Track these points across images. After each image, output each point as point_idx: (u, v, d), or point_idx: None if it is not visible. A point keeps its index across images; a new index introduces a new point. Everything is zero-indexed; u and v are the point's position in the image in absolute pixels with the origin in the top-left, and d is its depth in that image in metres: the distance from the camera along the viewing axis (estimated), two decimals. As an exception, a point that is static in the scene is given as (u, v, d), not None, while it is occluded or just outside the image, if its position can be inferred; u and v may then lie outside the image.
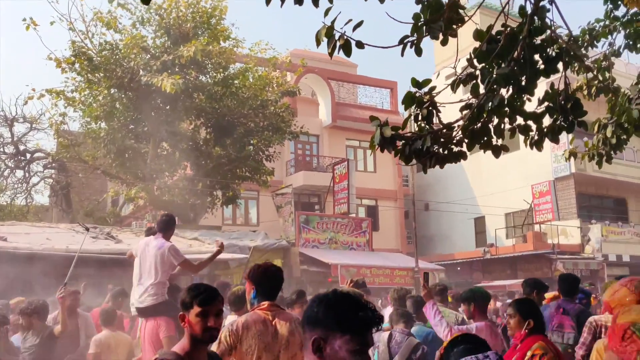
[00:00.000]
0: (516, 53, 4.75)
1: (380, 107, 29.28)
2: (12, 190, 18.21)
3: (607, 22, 7.66)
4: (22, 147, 18.47)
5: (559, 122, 5.11)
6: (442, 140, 4.73)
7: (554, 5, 4.77)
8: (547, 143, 5.25)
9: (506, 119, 4.96)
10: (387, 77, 56.51)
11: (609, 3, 7.52)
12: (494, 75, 4.42)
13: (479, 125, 4.72)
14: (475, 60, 4.71)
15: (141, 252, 5.70)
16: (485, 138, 4.86)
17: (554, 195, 20.95)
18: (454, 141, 4.89)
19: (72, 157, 15.96)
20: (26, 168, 18.39)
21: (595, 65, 7.49)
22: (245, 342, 3.11)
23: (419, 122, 4.72)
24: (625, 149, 23.06)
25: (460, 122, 4.75)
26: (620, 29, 7.62)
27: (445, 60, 29.95)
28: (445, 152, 4.88)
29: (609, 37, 7.70)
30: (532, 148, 5.31)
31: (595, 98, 7.52)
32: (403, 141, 4.83)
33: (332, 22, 4.38)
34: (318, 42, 4.63)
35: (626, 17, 7.60)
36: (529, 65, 4.75)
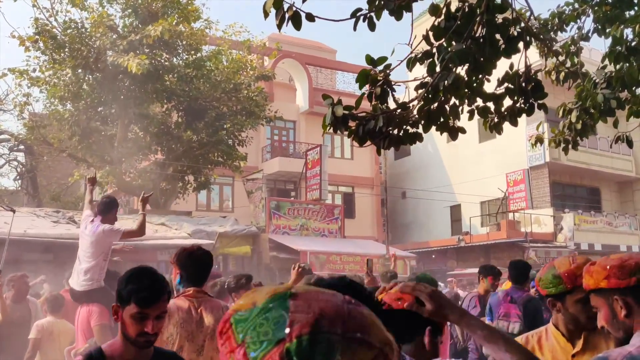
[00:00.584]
0: (474, 31, 4.60)
1: (359, 93, 29.03)
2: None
3: (576, 5, 7.48)
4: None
5: (518, 104, 4.96)
6: (396, 120, 4.53)
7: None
8: (523, 131, 5.11)
9: (465, 100, 4.79)
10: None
11: (578, -15, 7.33)
12: (449, 53, 4.21)
13: (435, 105, 4.53)
14: (432, 37, 4.51)
15: (81, 233, 5.46)
16: (442, 119, 4.68)
17: (528, 183, 20.98)
18: (410, 122, 4.70)
19: (37, 140, 15.49)
20: (-8, 151, 17.88)
21: (564, 50, 7.34)
22: (166, 331, 2.88)
23: (372, 102, 4.53)
24: (600, 138, 23.06)
25: (415, 102, 4.56)
26: (590, 12, 7.45)
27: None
28: (401, 133, 4.70)
29: (578, 21, 7.52)
30: (491, 131, 5.15)
31: (563, 83, 7.38)
32: (357, 121, 4.64)
33: None
34: (266, 14, 4.40)
35: (595, 0, 7.43)
36: (489, 44, 4.57)
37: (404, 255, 16.40)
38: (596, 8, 7.26)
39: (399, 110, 4.51)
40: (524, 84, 4.95)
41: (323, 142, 26.83)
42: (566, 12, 7.49)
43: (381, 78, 4.44)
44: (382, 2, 4.25)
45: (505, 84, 4.86)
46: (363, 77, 4.52)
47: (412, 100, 4.54)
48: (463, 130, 4.80)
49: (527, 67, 4.98)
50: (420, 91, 4.48)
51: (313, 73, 27.63)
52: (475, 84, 4.75)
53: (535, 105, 4.89)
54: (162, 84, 15.52)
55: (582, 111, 6.50)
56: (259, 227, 14.21)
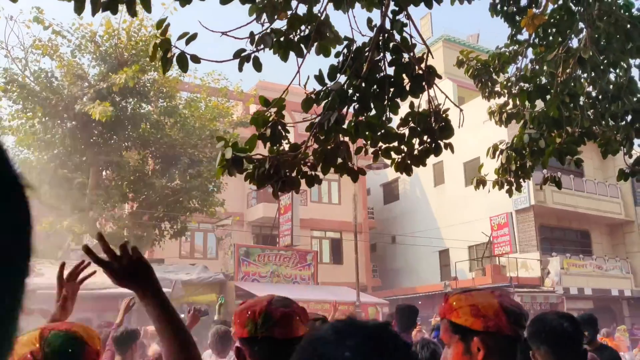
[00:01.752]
0: (372, 70, 4.51)
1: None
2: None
3: (516, 47, 7.42)
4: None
5: (424, 145, 4.81)
6: (290, 162, 4.39)
7: (410, 21, 4.51)
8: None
9: (363, 140, 4.66)
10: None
11: (512, 28, 7.29)
12: (330, 93, 4.10)
13: (331, 147, 4.40)
14: (326, 77, 4.41)
15: None
16: (341, 160, 4.54)
17: (512, 227, 20.69)
18: (307, 164, 4.56)
19: None
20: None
21: (505, 91, 7.26)
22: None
23: (265, 144, 4.40)
24: (586, 181, 22.72)
25: (309, 143, 4.43)
26: (527, 53, 7.39)
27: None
28: (298, 175, 4.55)
29: (517, 61, 7.44)
30: (401, 173, 4.99)
31: (507, 124, 7.28)
32: (252, 164, 4.50)
33: (163, 33, 4.09)
34: (153, 57, 4.33)
35: (531, 41, 7.37)
36: (393, 83, 4.48)
37: (376, 302, 15.98)
38: (533, 48, 7.18)
39: (289, 152, 4.37)
40: (433, 124, 4.82)
41: (309, 188, 26.72)
42: (506, 53, 7.43)
43: (273, 119, 4.32)
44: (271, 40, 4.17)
45: (410, 124, 4.73)
46: (256, 119, 4.41)
47: (304, 141, 4.40)
48: (363, 172, 4.65)
49: (436, 107, 4.86)
50: (309, 132, 4.35)
51: (299, 119, 27.70)
52: (378, 123, 4.62)
53: (442, 145, 4.75)
54: (135, 131, 15.53)
55: (512, 152, 6.37)
56: (227, 274, 13.94)
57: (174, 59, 4.18)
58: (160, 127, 15.48)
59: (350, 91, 4.26)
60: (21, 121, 14.36)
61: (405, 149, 4.70)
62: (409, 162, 4.67)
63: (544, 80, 5.67)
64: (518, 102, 7.23)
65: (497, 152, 6.39)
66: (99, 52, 14.48)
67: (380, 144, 4.68)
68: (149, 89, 15.27)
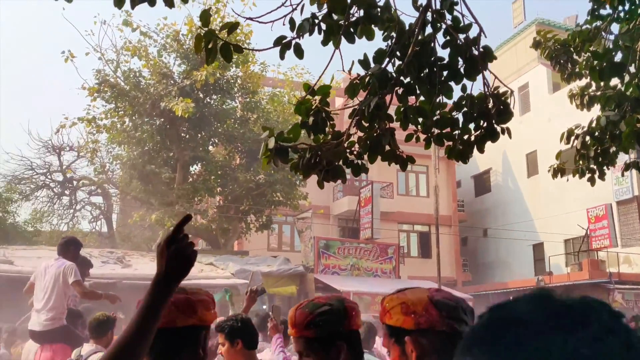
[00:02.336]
0: (425, 53, 4.29)
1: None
2: (58, 216, 18.92)
3: (598, 23, 6.86)
4: (69, 175, 19.23)
5: (480, 130, 4.51)
6: (335, 151, 4.25)
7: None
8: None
9: (414, 126, 4.43)
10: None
11: (593, 2, 6.74)
12: (371, 77, 3.92)
13: (376, 134, 4.22)
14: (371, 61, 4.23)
15: (39, 274, 5.51)
16: (388, 148, 4.35)
17: (612, 219, 19.31)
18: (354, 153, 4.41)
19: (105, 183, 16.37)
20: (72, 195, 19.11)
21: (586, 72, 6.73)
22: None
23: (309, 133, 4.30)
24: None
25: (352, 131, 4.27)
26: (611, 28, 6.81)
27: (506, 78, 28.80)
28: (343, 164, 4.41)
29: (601, 38, 6.87)
30: (456, 160, 4.71)
31: (590, 107, 6.75)
32: (297, 154, 4.42)
33: (205, 24, 4.09)
34: (198, 49, 4.34)
35: (615, 15, 6.79)
36: (437, 65, 4.24)
37: (457, 297, 15.42)
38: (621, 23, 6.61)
39: (333, 141, 4.24)
40: (490, 107, 4.52)
41: (397, 180, 26.42)
42: (588, 29, 6.88)
43: (314, 107, 4.21)
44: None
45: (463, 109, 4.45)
46: (299, 108, 4.32)
47: (346, 129, 4.25)
48: (412, 160, 4.43)
49: (495, 89, 4.55)
50: (352, 119, 4.19)
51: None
52: (428, 109, 4.39)
53: (499, 129, 4.43)
54: (221, 127, 15.95)
55: (589, 137, 5.88)
56: (307, 266, 14.01)
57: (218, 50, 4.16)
58: (244, 123, 15.81)
59: (394, 75, 4.05)
60: (113, 119, 15.18)
61: (458, 135, 4.43)
62: (461, 147, 4.39)
63: (619, 55, 5.17)
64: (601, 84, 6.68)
65: (572, 137, 5.93)
66: (182, 50, 15.02)
67: (434, 129, 4.45)
68: (232, 85, 15.63)
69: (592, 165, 6.54)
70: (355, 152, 4.38)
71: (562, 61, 7.10)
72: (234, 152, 17.61)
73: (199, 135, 16.12)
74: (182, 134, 15.42)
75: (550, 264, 21.92)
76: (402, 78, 4.07)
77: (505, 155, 27.29)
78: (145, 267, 12.79)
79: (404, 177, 26.79)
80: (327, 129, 4.28)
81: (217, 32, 4.17)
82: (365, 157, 4.37)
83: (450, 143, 4.47)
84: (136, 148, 15.21)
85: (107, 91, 14.61)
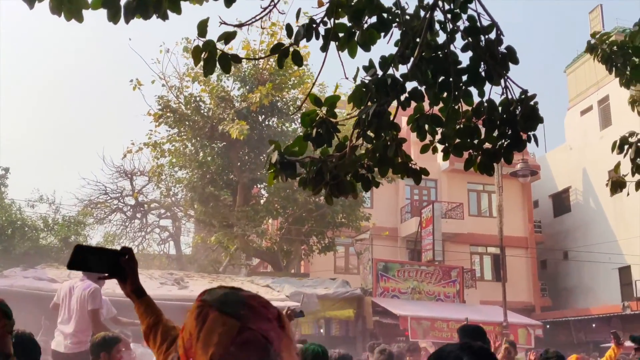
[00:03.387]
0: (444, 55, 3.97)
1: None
2: (129, 239, 19.54)
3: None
4: (140, 199, 19.87)
5: (504, 139, 4.09)
6: (343, 164, 3.97)
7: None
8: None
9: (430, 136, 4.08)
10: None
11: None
12: (371, 83, 3.63)
13: (385, 144, 3.90)
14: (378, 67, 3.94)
15: (65, 295, 5.48)
16: (399, 160, 4.02)
17: None
18: (364, 166, 4.11)
19: (172, 206, 16.77)
20: (144, 218, 19.70)
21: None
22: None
23: (315, 145, 4.04)
24: None
25: (359, 142, 3.98)
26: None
27: (581, 94, 27.38)
28: (354, 179, 4.12)
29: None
30: (481, 172, 4.29)
31: (654, 114, 6.14)
32: (305, 168, 4.17)
33: (202, 34, 3.96)
34: (196, 60, 4.21)
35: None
36: (452, 70, 3.90)
37: (527, 324, 14.44)
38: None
39: (338, 153, 3.96)
40: (517, 114, 4.11)
41: (467, 201, 25.51)
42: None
43: (319, 118, 3.96)
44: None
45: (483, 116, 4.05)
46: (304, 119, 4.09)
47: (350, 140, 3.96)
48: (426, 172, 4.08)
49: (521, 94, 4.13)
50: (354, 130, 3.91)
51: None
52: (448, 118, 4.04)
53: (524, 138, 4.00)
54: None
55: (645, 145, 5.28)
56: (366, 289, 13.61)
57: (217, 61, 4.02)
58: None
59: (400, 80, 3.75)
60: (175, 144, 15.55)
61: (478, 145, 4.04)
62: (481, 157, 4.00)
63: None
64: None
65: (627, 146, 5.34)
66: (239, 73, 15.21)
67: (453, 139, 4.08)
68: (289, 106, 15.65)
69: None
70: (365, 165, 4.09)
71: (618, 64, 6.50)
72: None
73: (260, 157, 16.20)
74: (242, 157, 15.55)
75: (638, 289, 20.30)
76: (406, 84, 3.76)
77: (585, 172, 25.81)
78: (202, 288, 12.78)
79: (476, 197, 25.86)
80: (333, 141, 4.03)
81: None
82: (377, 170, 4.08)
83: (470, 153, 4.07)
84: (197, 171, 15.48)
85: (170, 116, 14.99)
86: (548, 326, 21.45)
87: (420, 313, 11.79)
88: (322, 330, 12.93)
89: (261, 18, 3.90)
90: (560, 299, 26.12)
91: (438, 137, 4.18)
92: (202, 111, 15.04)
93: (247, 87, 15.25)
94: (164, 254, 19.22)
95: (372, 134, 3.92)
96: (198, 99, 15.44)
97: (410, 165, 4.04)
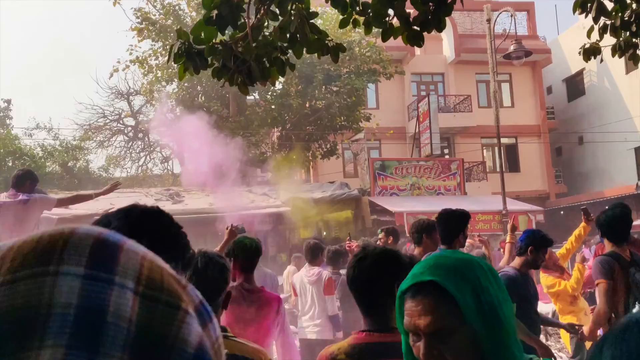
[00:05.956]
0: None
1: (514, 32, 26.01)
2: (131, 160, 19.50)
3: None
4: (141, 118, 19.64)
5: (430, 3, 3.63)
6: (247, 48, 3.59)
7: None
8: None
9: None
10: (547, -1, 50.49)
11: None
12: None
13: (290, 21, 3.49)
14: None
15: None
16: (315, 37, 3.61)
17: None
18: (277, 48, 3.72)
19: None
20: (145, 138, 19.56)
21: None
22: None
23: (218, 28, 3.65)
24: None
25: (266, 23, 3.57)
26: None
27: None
28: (269, 63, 3.75)
29: None
30: (411, 44, 3.87)
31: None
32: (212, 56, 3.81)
33: None
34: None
35: None
36: None
37: (528, 210, 14.22)
38: None
39: (240, 35, 3.57)
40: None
41: (477, 92, 24.73)
42: None
43: (221, -4, 3.54)
44: None
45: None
46: (206, 0, 3.67)
47: (256, 18, 3.56)
48: (343, 49, 3.68)
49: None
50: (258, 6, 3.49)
51: (460, 18, 25.43)
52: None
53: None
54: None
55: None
56: (364, 190, 13.43)
57: None
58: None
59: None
60: (161, 58, 15.05)
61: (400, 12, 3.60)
62: (403, 26, 3.57)
63: None
64: None
65: (589, 5, 4.77)
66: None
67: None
68: (282, 4, 14.90)
69: (635, 40, 5.46)
70: (279, 47, 3.71)
71: None
72: (291, 78, 17.05)
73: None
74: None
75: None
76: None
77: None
78: (197, 202, 12.81)
79: (485, 88, 25.01)
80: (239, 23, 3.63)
81: None
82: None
83: (390, 22, 3.64)
84: (185, 84, 15.04)
85: (152, 29, 14.41)
86: (562, 212, 21.32)
87: (417, 208, 11.62)
88: (324, 233, 12.94)
89: None
90: (575, 184, 25.79)
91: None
92: (183, 20, 14.40)
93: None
94: (169, 172, 19.24)
95: (276, 10, 3.52)
96: (177, 7, 14.76)
97: (326, 42, 3.64)
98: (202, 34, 3.67)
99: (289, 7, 3.42)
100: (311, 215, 12.40)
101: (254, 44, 3.61)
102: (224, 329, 1.94)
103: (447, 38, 24.98)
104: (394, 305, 1.62)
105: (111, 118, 19.36)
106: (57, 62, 54.62)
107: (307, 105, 15.50)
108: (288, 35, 3.57)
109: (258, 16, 3.50)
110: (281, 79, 17.65)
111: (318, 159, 17.83)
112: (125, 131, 19.76)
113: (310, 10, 3.56)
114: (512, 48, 12.49)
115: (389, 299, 1.66)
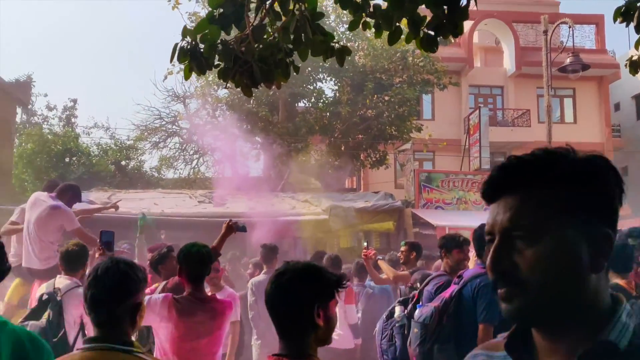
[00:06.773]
0: None
1: (581, 46, 25.01)
2: (184, 162, 19.81)
3: None
4: (197, 121, 19.92)
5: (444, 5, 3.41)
6: (249, 48, 3.48)
7: None
8: None
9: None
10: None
11: None
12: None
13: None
14: None
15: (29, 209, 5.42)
16: (323, 39, 3.46)
17: None
18: (282, 49, 3.58)
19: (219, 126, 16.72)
20: (200, 141, 19.84)
21: None
22: None
23: (222, 28, 3.55)
24: None
25: (268, 23, 3.44)
26: None
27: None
28: (273, 65, 3.61)
29: None
30: (425, 50, 3.65)
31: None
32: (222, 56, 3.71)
33: None
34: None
35: None
36: None
37: None
38: None
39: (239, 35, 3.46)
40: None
41: (537, 107, 23.85)
42: None
43: (223, -6, 3.45)
44: None
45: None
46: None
47: (260, 17, 3.44)
48: (348, 52, 3.51)
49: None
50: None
51: (523, 31, 24.65)
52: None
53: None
54: (326, 60, 15.40)
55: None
56: (409, 201, 13.11)
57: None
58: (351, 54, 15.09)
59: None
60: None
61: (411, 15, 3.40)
62: (413, 29, 3.37)
63: None
64: None
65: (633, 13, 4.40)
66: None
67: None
68: (329, 14, 14.88)
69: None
70: (284, 49, 3.57)
71: None
72: (344, 86, 16.93)
73: (306, 70, 15.63)
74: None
75: None
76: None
77: (672, 68, 23.30)
78: (238, 205, 12.83)
79: (545, 103, 24.06)
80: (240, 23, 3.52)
81: None
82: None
83: (397, 25, 3.44)
84: (226, 88, 15.15)
85: (206, 32, 14.58)
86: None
87: (460, 222, 11.22)
88: (365, 243, 12.64)
89: None
90: (641, 206, 24.45)
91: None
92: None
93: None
94: (221, 176, 19.46)
95: (279, 10, 3.39)
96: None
97: (332, 44, 3.48)
98: (208, 33, 3.58)
99: (292, 7, 3.28)
100: (352, 224, 12.20)
101: (256, 45, 3.49)
102: (131, 344, 1.80)
103: (508, 50, 24.28)
104: (312, 329, 1.44)
105: (167, 120, 19.78)
106: (118, 62, 56.69)
107: (357, 113, 15.34)
108: (292, 37, 3.43)
109: (259, 16, 3.37)
110: (333, 86, 17.61)
111: (367, 168, 17.61)
112: (181, 133, 20.15)
113: (317, 11, 3.41)
114: (568, 61, 11.91)
115: (307, 322, 1.49)
